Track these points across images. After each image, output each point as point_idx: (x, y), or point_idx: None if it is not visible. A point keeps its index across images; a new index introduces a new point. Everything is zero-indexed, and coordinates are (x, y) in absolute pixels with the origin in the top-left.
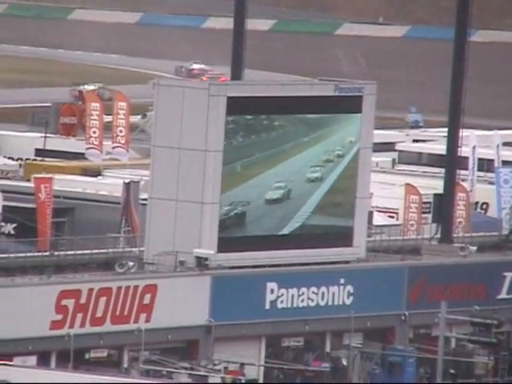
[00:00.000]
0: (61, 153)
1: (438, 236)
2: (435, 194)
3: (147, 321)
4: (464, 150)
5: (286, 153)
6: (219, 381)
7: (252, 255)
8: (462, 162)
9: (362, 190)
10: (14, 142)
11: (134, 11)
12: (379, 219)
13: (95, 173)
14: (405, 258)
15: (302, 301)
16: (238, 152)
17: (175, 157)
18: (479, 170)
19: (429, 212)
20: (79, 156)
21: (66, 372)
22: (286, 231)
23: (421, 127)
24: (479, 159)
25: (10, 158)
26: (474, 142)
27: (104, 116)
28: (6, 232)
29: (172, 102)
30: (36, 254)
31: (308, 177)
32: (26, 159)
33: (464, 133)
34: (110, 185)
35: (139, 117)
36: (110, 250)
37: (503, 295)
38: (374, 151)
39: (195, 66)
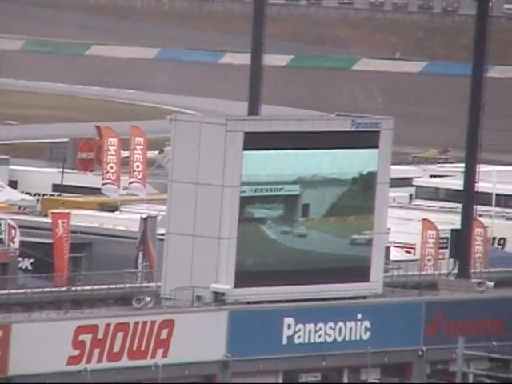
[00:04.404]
0: (78, 188)
1: (456, 271)
2: (452, 230)
3: (164, 356)
4: (481, 186)
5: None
6: None
7: (269, 290)
8: (480, 198)
9: (378, 225)
10: (31, 177)
11: (151, 47)
12: (396, 254)
13: (112, 208)
14: (422, 293)
15: (319, 336)
16: None
17: (192, 192)
18: (497, 205)
19: (446, 247)
20: (96, 191)
21: None
22: (303, 266)
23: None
24: (497, 195)
25: (27, 193)
26: (494, 178)
27: (121, 151)
28: (24, 267)
29: (189, 137)
30: (53, 289)
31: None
32: (44, 194)
33: (485, 168)
34: (127, 220)
35: (156, 152)
36: (127, 286)
37: None
38: (391, 186)
39: None
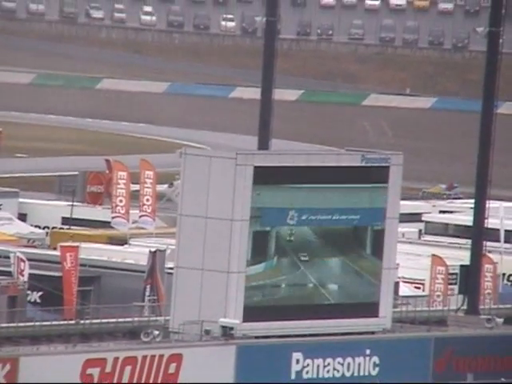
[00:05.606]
0: (87, 221)
1: (465, 307)
2: (462, 266)
3: None
4: (490, 222)
5: None
6: None
7: (278, 325)
8: (489, 234)
9: (388, 260)
10: (40, 210)
11: (161, 81)
12: (405, 290)
13: (121, 241)
14: (431, 329)
15: (328, 371)
16: None
17: (201, 226)
18: (506, 241)
19: (455, 283)
20: (106, 224)
21: None
22: (312, 302)
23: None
24: (506, 231)
25: (36, 226)
26: (502, 214)
27: (131, 185)
28: (32, 300)
29: (199, 171)
30: (62, 322)
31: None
32: (53, 227)
33: (493, 204)
34: (136, 253)
35: (166, 186)
36: (136, 319)
37: None
38: (401, 222)
39: None
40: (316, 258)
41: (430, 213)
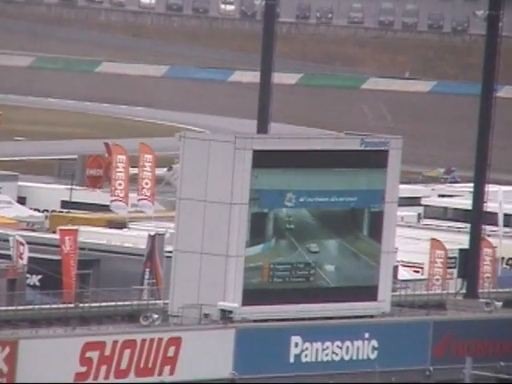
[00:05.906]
0: (86, 205)
1: (464, 291)
2: (461, 249)
3: (171, 374)
4: (490, 206)
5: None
6: None
7: (276, 308)
8: (488, 217)
9: (387, 244)
10: (40, 193)
11: (160, 64)
12: (404, 274)
13: (120, 225)
14: (430, 313)
15: (327, 355)
16: None
17: (200, 209)
18: (505, 225)
19: (454, 267)
20: (105, 208)
21: None
22: (311, 285)
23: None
24: (505, 215)
25: (36, 209)
26: (501, 198)
27: (130, 168)
28: (32, 284)
29: (198, 155)
30: (61, 305)
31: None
32: (52, 211)
33: (492, 188)
34: (135, 237)
35: (165, 169)
36: (135, 303)
37: None
38: (400, 206)
39: None
40: (314, 239)
41: (429, 197)
